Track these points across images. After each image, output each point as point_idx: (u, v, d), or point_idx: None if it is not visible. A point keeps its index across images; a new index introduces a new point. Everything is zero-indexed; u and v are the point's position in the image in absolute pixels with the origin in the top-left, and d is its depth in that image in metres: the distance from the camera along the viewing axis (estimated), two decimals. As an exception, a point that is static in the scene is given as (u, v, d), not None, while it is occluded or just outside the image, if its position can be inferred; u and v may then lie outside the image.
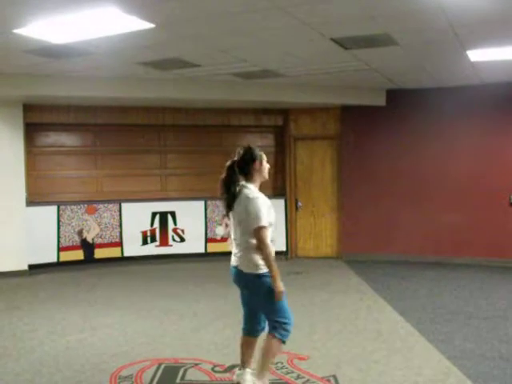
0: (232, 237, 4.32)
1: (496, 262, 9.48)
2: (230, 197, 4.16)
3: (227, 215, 4.29)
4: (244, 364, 4.38)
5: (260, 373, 4.17)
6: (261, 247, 4.00)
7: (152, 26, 5.56)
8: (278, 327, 4.13)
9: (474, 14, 5.39)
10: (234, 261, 4.24)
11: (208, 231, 10.46)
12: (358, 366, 4.91)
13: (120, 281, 8.84)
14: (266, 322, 4.27)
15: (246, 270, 4.12)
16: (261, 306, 4.23)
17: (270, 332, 4.18)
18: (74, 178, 10.07)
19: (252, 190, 4.15)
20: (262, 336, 4.33)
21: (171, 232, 10.47)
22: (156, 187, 10.57)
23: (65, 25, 5.49)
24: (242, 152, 4.21)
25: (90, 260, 9.96)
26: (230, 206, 4.19)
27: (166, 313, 6.84)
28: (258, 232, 4.00)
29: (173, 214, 10.47)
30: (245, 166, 4.18)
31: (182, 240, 10.50)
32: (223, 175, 4.20)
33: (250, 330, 4.37)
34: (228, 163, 4.22)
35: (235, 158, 4.20)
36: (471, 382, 4.48)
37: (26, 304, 7.36)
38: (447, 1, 5.00)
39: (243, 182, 4.19)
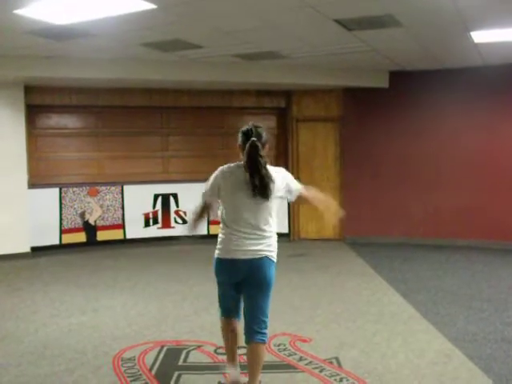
0: (237, 225, 3.89)
1: (498, 245, 9.46)
2: (260, 179, 3.67)
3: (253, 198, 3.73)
4: (235, 359, 4.08)
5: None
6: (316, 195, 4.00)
7: (153, 6, 5.51)
8: (263, 328, 3.81)
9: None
10: (244, 253, 3.78)
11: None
12: (360, 348, 4.92)
13: (122, 263, 8.86)
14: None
15: (266, 255, 3.78)
16: (259, 299, 3.82)
17: (257, 340, 3.79)
18: (75, 160, 10.04)
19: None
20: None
21: (173, 214, 10.47)
22: (158, 169, 10.55)
23: (66, 5, 5.45)
24: (261, 132, 3.77)
25: (92, 242, 9.97)
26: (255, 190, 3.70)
27: (169, 295, 6.86)
28: (303, 191, 3.95)
29: (175, 195, 10.46)
30: (262, 148, 3.77)
31: (185, 222, 10.49)
32: (261, 160, 3.67)
33: (240, 314, 4.00)
34: (252, 144, 3.68)
35: (254, 138, 3.70)
36: (473, 364, 4.48)
37: (28, 286, 7.38)
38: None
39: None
